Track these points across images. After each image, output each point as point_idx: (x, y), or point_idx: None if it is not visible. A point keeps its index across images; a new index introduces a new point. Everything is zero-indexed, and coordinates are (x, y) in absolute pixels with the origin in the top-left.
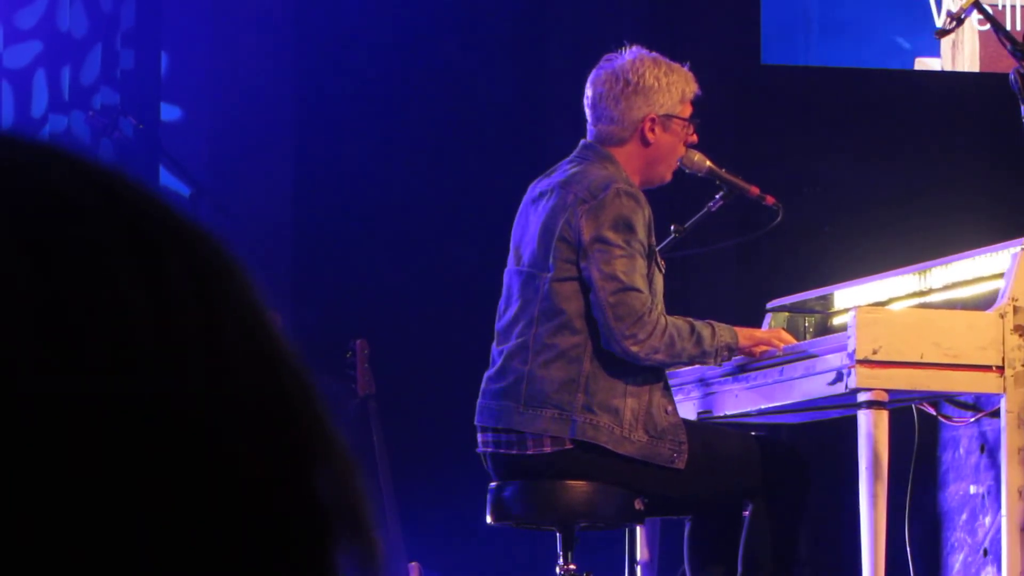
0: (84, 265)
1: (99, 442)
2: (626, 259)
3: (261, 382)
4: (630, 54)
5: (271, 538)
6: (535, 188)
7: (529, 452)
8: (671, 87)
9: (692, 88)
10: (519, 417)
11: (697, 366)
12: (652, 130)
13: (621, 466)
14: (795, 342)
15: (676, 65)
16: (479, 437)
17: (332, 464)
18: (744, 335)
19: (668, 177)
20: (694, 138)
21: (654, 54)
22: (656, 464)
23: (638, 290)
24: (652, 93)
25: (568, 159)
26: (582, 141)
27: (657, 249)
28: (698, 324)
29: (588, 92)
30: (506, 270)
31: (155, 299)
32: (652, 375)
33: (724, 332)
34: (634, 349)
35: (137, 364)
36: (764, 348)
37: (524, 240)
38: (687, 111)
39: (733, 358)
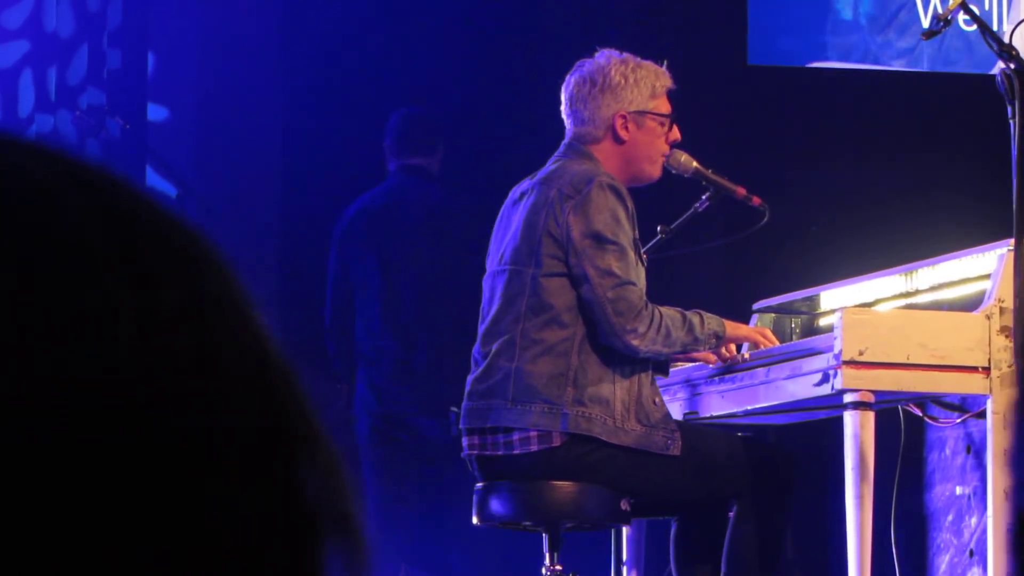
0: (71, 265)
1: (87, 443)
2: (618, 253)
3: (248, 382)
4: (600, 56)
5: (258, 538)
6: (517, 190)
7: (516, 452)
8: (639, 83)
9: (663, 83)
10: (507, 413)
11: (682, 362)
12: (625, 127)
13: (611, 461)
14: (778, 343)
15: (646, 62)
16: (464, 440)
17: (319, 464)
18: (730, 326)
19: (656, 174)
20: (676, 135)
21: (624, 54)
22: (651, 453)
23: (633, 283)
24: (620, 90)
25: (551, 158)
26: (564, 140)
27: (643, 247)
28: (687, 313)
29: (562, 98)
30: (486, 274)
31: (142, 298)
32: (639, 367)
33: (711, 320)
34: (635, 343)
35: (124, 365)
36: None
37: (506, 240)
38: (662, 107)
39: (718, 347)
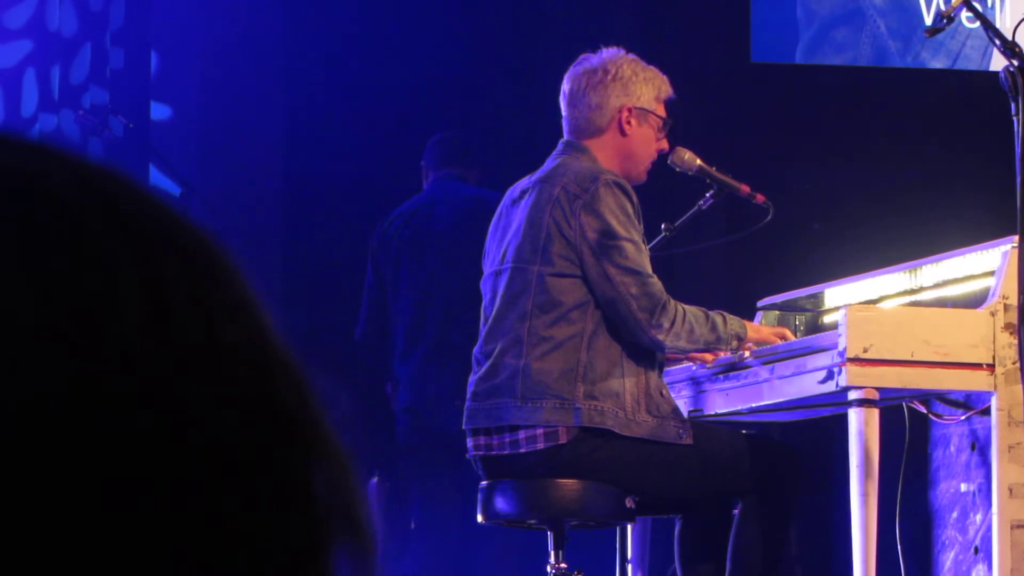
0: (81, 267)
1: (95, 443)
2: (635, 249)
3: (257, 382)
4: (607, 51)
5: (267, 538)
6: (515, 189)
7: (522, 451)
8: (648, 81)
9: (667, 89)
10: (517, 412)
11: (686, 363)
12: (629, 121)
13: (619, 456)
14: (795, 339)
15: (652, 67)
16: (469, 441)
17: (328, 463)
18: (752, 328)
19: (643, 176)
20: (665, 146)
21: (632, 55)
22: (662, 444)
23: (653, 276)
24: (630, 84)
25: (549, 157)
26: (562, 139)
27: (647, 245)
28: (711, 312)
29: (565, 88)
30: (485, 275)
31: (152, 300)
32: (646, 360)
33: (734, 321)
34: (661, 338)
35: (133, 365)
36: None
37: (507, 239)
38: (662, 111)
39: (740, 349)
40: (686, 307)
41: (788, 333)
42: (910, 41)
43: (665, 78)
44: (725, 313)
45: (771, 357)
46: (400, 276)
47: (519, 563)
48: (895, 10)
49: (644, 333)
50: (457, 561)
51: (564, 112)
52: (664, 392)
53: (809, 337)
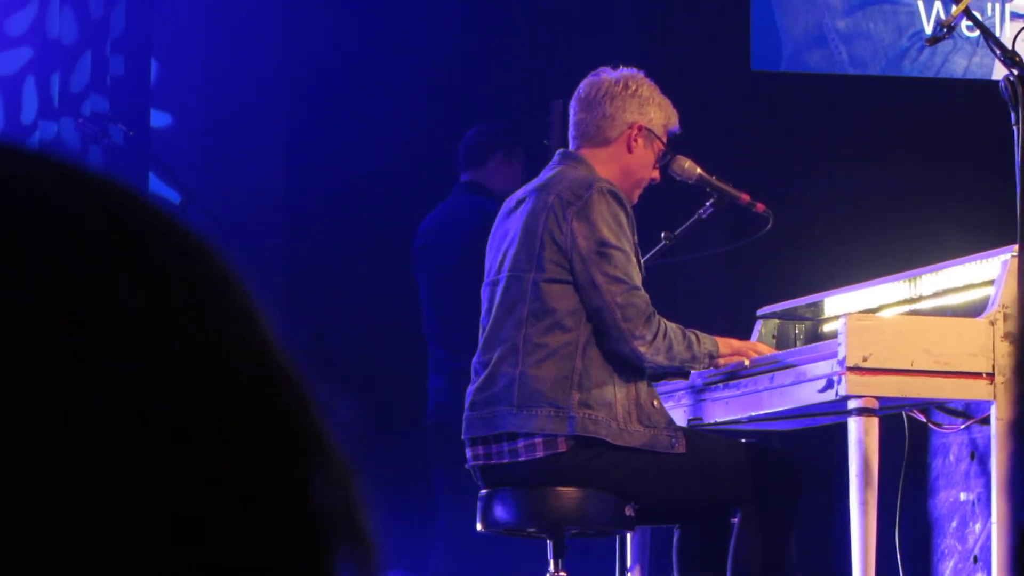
0: (82, 277)
1: (97, 452)
2: (624, 258)
3: (258, 392)
4: (628, 70)
5: (268, 546)
6: (511, 199)
7: (521, 459)
8: (662, 108)
9: (675, 122)
10: (513, 419)
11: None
12: (636, 139)
13: (618, 464)
14: (771, 352)
15: (666, 97)
16: (468, 452)
17: (329, 471)
18: (723, 344)
19: (635, 198)
20: (657, 175)
21: (650, 79)
22: (656, 453)
23: (640, 289)
24: (647, 104)
25: (546, 168)
26: (558, 151)
27: (647, 255)
28: (686, 330)
29: (581, 92)
30: (483, 283)
31: (153, 310)
32: (637, 370)
33: (706, 340)
34: (642, 350)
35: (135, 375)
36: (738, 358)
37: (504, 248)
38: (664, 140)
39: (711, 367)
40: (668, 323)
41: (759, 346)
42: (872, 69)
43: (675, 111)
44: (697, 331)
45: (771, 366)
46: (425, 294)
47: (518, 571)
48: (857, 37)
49: (626, 344)
50: (478, 568)
51: (574, 117)
52: (656, 402)
53: (809, 346)
